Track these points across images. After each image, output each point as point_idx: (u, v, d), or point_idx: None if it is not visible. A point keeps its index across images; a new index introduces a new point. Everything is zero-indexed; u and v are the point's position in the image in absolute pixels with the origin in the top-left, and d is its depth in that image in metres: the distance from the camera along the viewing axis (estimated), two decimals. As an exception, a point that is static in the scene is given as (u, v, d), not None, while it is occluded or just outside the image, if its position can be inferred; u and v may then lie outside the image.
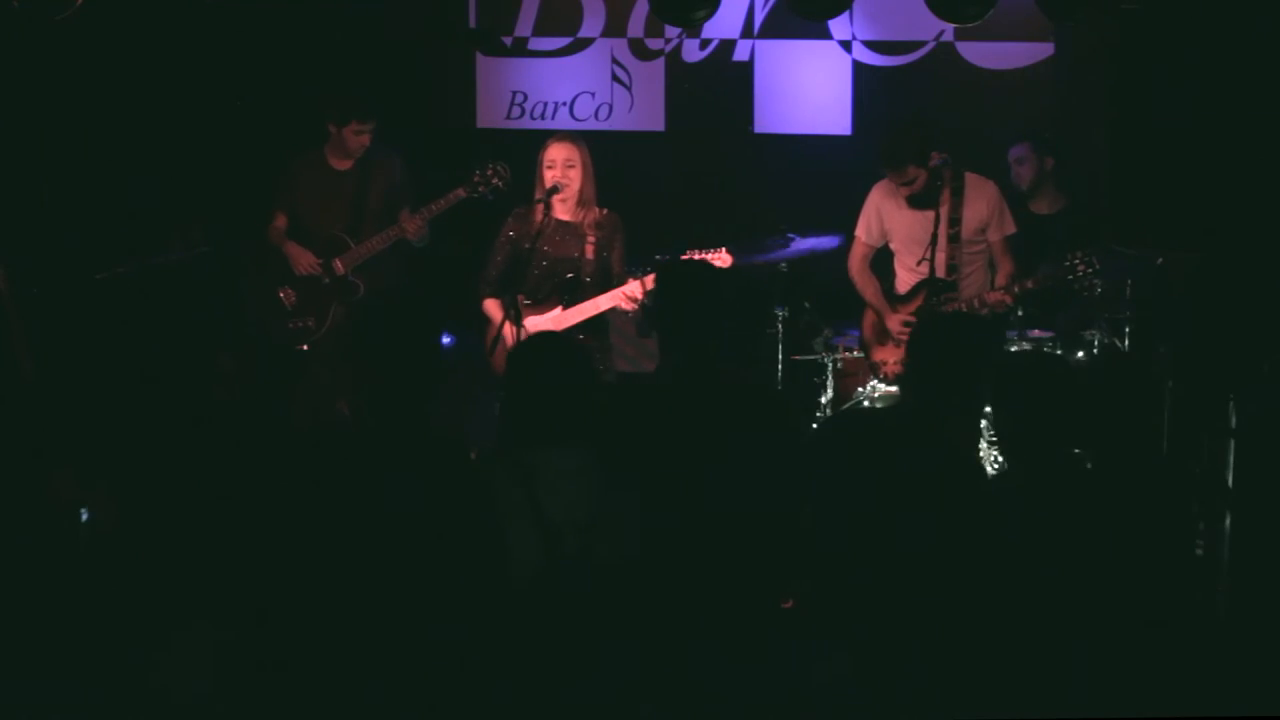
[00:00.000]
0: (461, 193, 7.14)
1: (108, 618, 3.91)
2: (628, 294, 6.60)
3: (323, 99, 7.49)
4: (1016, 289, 6.81)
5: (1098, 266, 6.72)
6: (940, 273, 6.87)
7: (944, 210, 6.85)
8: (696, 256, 6.59)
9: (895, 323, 7.04)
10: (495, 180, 7.10)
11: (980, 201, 6.94)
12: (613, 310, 6.79)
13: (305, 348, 7.37)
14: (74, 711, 3.79)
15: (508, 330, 6.52)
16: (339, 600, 3.68)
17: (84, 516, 5.70)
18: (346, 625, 3.67)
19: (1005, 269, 6.97)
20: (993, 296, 6.84)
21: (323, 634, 3.68)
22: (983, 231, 6.96)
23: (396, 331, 3.96)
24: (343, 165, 7.41)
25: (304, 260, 7.36)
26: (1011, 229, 7.01)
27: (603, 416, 4.43)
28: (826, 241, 7.52)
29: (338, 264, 7.33)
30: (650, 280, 6.54)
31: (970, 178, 6.96)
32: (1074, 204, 7.71)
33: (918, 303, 6.96)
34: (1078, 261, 6.71)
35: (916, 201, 6.89)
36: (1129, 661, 3.80)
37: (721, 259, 6.56)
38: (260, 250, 7.53)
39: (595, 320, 6.78)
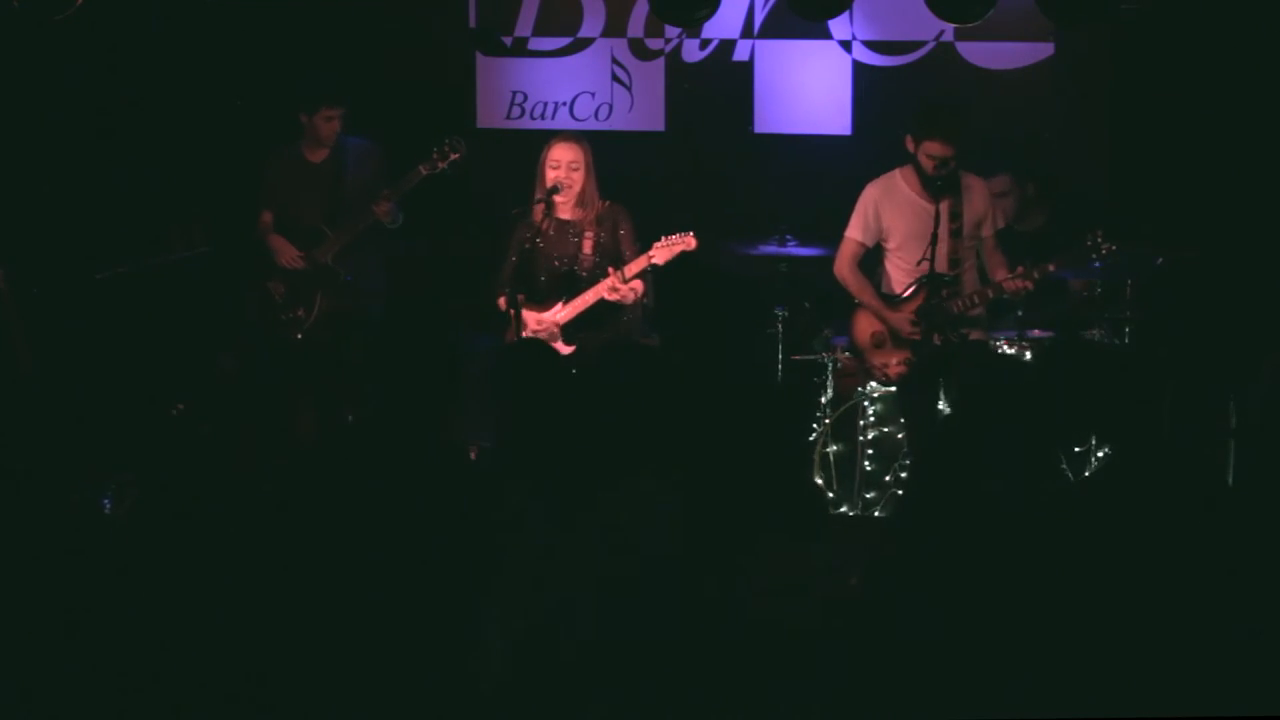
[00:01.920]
0: (423, 170, 7.27)
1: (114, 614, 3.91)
2: (609, 285, 6.62)
3: (291, 91, 7.57)
4: (1037, 274, 6.74)
5: (1117, 246, 6.66)
6: (942, 268, 6.84)
7: (945, 206, 6.82)
8: (663, 240, 6.61)
9: (904, 323, 6.94)
10: (453, 155, 7.22)
11: (978, 198, 6.94)
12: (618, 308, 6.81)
13: (300, 336, 7.45)
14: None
15: (510, 326, 6.55)
16: (339, 602, 3.68)
17: (105, 506, 5.71)
18: (345, 627, 3.68)
19: (1000, 262, 6.94)
20: (1012, 284, 6.77)
21: (322, 636, 3.68)
22: (978, 228, 6.95)
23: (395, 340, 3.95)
24: (317, 156, 7.56)
25: (286, 254, 7.48)
26: (1001, 223, 7.05)
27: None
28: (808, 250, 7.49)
29: (317, 254, 7.44)
30: (629, 269, 6.58)
31: (965, 176, 6.95)
32: (1056, 215, 7.67)
33: (920, 299, 6.89)
34: (1100, 239, 6.65)
35: (934, 187, 6.76)
36: (1129, 661, 3.80)
37: (687, 243, 6.59)
38: (259, 250, 7.59)
39: (602, 315, 6.78)
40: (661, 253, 6.61)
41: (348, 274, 7.44)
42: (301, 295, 7.48)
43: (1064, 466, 7.02)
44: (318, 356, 7.45)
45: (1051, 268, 6.74)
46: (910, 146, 6.82)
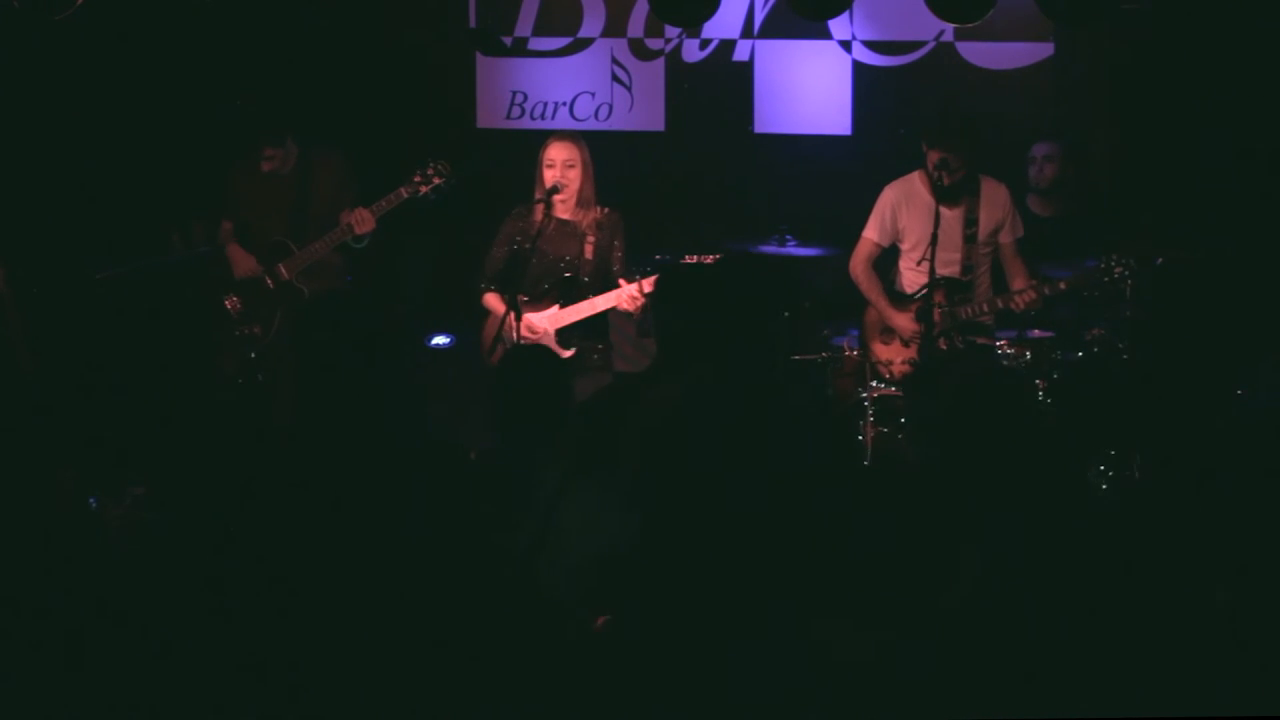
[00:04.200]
0: (404, 192, 7.07)
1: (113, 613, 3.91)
2: (631, 295, 6.60)
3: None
4: (1048, 290, 6.82)
5: (1135, 268, 6.73)
6: (954, 271, 6.89)
7: (959, 211, 6.89)
8: (694, 259, 6.61)
9: (906, 322, 7.01)
10: (437, 179, 7.03)
11: (996, 204, 6.98)
12: (613, 311, 6.80)
13: (254, 355, 7.23)
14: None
15: (509, 326, 6.53)
16: (334, 602, 3.68)
17: (92, 504, 5.71)
18: (341, 626, 3.68)
19: (1019, 270, 7.01)
20: (1023, 298, 6.83)
21: (317, 636, 3.68)
22: (995, 234, 7.00)
23: (345, 330, 3.92)
24: (282, 169, 7.33)
25: (244, 264, 7.27)
26: (1021, 231, 7.07)
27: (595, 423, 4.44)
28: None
29: (281, 269, 7.25)
30: (649, 282, 6.55)
31: (985, 180, 6.99)
32: (1072, 210, 7.68)
33: (925, 302, 6.92)
34: (1114, 263, 6.72)
35: (947, 195, 6.82)
36: (1129, 661, 3.80)
37: None
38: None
39: (594, 321, 6.79)
40: None
41: (308, 292, 7.23)
42: (259, 311, 7.26)
43: (1065, 469, 7.02)
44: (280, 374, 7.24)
45: (1063, 286, 6.83)
46: (925, 150, 6.91)
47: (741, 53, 8.68)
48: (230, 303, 7.32)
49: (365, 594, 3.68)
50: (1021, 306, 6.85)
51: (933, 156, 6.86)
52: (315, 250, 7.20)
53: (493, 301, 6.82)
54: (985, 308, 6.91)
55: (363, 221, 7.08)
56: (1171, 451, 6.49)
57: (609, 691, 3.85)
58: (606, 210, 6.85)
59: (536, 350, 5.47)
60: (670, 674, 3.94)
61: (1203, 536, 4.01)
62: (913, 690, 3.77)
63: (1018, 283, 6.98)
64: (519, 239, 6.80)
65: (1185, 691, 3.78)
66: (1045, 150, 7.63)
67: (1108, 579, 3.86)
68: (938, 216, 6.77)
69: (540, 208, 6.72)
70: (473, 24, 8.95)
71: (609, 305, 6.70)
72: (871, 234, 7.16)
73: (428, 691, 3.70)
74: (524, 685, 3.76)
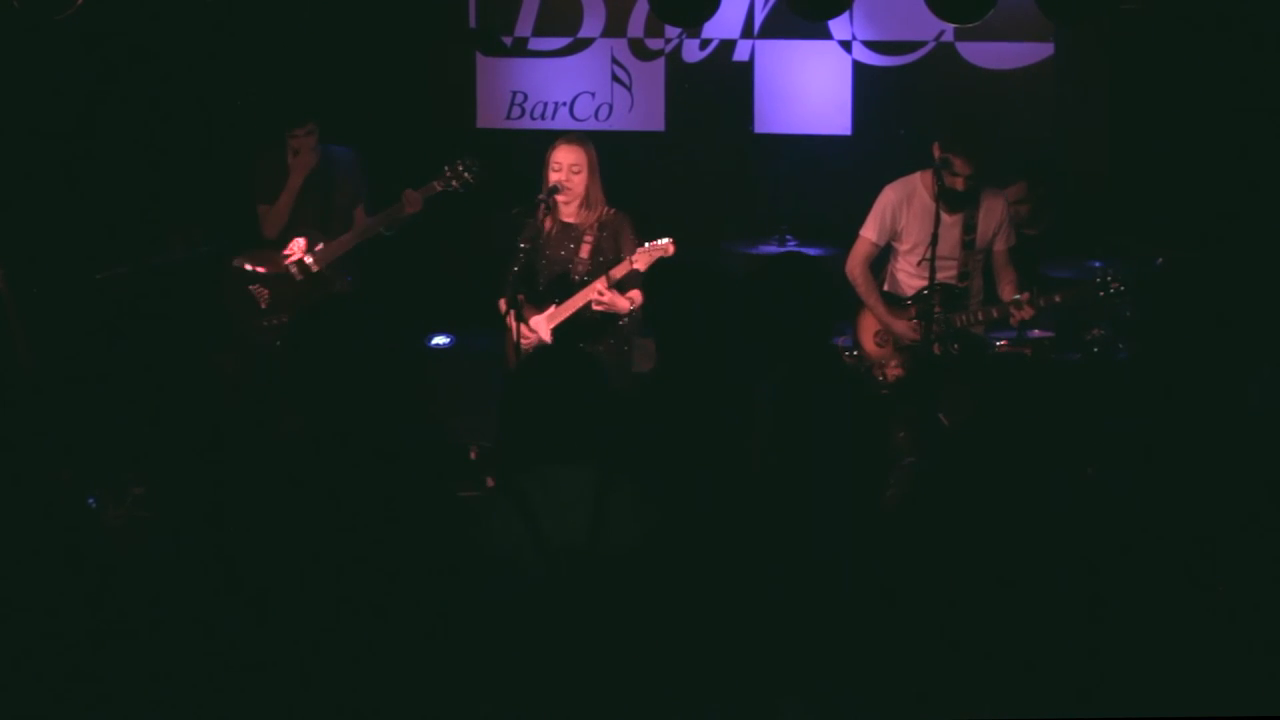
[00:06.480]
0: (437, 186, 7.16)
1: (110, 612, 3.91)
2: (595, 289, 6.61)
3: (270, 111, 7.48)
4: (1043, 303, 6.81)
5: (1132, 284, 6.74)
6: (951, 277, 6.89)
7: (959, 218, 6.89)
8: (646, 246, 6.59)
9: (906, 328, 7.00)
10: (466, 175, 7.14)
11: (993, 213, 6.98)
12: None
13: (279, 344, 7.19)
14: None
15: (512, 328, 6.53)
16: (332, 601, 3.68)
17: (91, 504, 5.72)
18: (339, 626, 3.68)
19: (1010, 278, 7.00)
20: (1020, 314, 6.83)
21: (315, 636, 3.68)
22: (990, 242, 7.00)
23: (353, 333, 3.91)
24: (309, 158, 7.37)
25: (296, 250, 7.25)
26: (1014, 240, 7.08)
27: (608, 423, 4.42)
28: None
29: (311, 261, 7.29)
30: (616, 273, 6.57)
31: (986, 192, 6.98)
32: (1059, 215, 7.71)
33: (924, 308, 6.93)
34: (1110, 278, 6.73)
35: (952, 200, 6.81)
36: (1129, 661, 3.80)
37: (666, 250, 6.57)
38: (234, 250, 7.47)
39: (601, 323, 6.77)
40: (643, 259, 6.59)
41: (347, 275, 7.37)
42: (287, 303, 7.28)
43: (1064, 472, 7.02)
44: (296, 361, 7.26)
45: (1058, 299, 6.82)
46: (937, 154, 6.86)
47: (741, 53, 8.69)
48: (258, 292, 7.35)
49: (369, 594, 3.68)
50: (1017, 321, 6.86)
51: (957, 164, 6.80)
52: (344, 243, 7.28)
53: (502, 308, 6.82)
54: (980, 316, 6.92)
55: (413, 202, 7.18)
56: (1172, 451, 6.49)
57: (638, 687, 3.85)
58: (612, 211, 6.84)
59: (563, 350, 5.43)
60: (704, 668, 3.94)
61: (1202, 536, 4.01)
62: (910, 690, 3.78)
63: (1008, 291, 6.97)
64: (526, 244, 6.81)
65: (1185, 691, 3.78)
66: (1016, 195, 7.63)
67: (1106, 579, 3.86)
68: (938, 220, 6.75)
69: (542, 209, 6.72)
70: (473, 24, 8.96)
71: (585, 301, 6.68)
72: (870, 234, 7.12)
73: (437, 691, 3.70)
74: (551, 683, 3.74)
